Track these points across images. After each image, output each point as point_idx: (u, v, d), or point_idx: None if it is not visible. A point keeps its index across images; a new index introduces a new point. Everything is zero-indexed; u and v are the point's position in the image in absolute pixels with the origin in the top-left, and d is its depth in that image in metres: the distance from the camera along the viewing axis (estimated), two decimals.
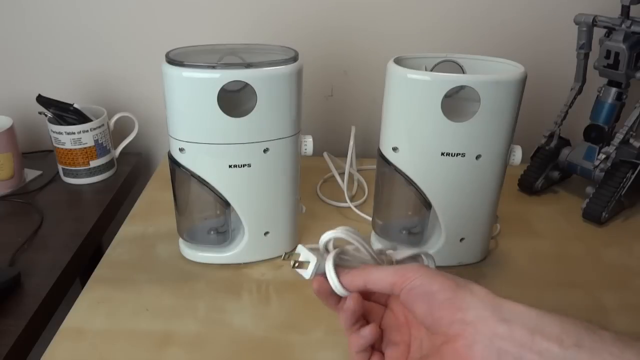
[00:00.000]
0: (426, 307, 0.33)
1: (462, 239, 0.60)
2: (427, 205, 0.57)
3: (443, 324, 0.32)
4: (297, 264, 0.38)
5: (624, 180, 0.71)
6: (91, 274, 0.60)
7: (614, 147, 0.71)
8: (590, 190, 0.73)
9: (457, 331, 0.31)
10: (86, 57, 0.89)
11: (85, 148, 0.79)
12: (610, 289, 0.59)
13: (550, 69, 0.84)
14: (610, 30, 0.70)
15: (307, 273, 0.38)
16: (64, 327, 0.52)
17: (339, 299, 0.38)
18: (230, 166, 0.55)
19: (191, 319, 0.53)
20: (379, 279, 0.35)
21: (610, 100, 0.73)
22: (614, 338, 0.28)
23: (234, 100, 0.55)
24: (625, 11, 0.67)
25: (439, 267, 0.61)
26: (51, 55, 0.89)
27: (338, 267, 0.37)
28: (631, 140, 0.72)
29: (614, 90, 0.72)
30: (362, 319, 0.38)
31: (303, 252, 0.38)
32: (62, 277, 0.61)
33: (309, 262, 0.37)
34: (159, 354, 0.49)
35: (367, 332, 0.37)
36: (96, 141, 0.80)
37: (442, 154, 0.54)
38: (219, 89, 0.51)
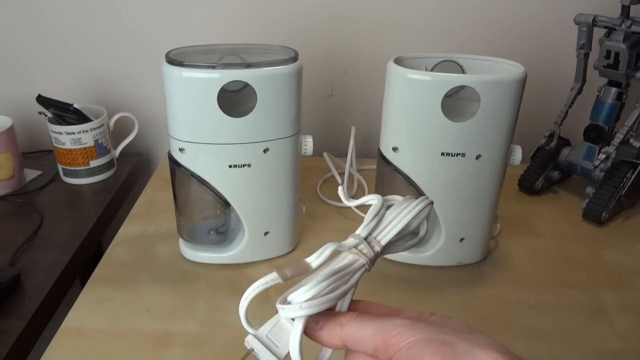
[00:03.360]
0: None
1: (462, 239, 0.60)
2: None
3: None
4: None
5: (624, 180, 0.71)
6: (91, 274, 0.60)
7: (614, 147, 0.71)
8: (590, 190, 0.73)
9: None
10: (86, 57, 0.89)
11: (85, 148, 0.79)
12: (610, 289, 0.59)
13: (550, 69, 0.84)
14: (610, 30, 0.70)
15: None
16: (64, 327, 0.52)
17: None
18: (230, 166, 0.55)
19: (191, 319, 0.53)
20: (358, 339, 0.28)
21: (610, 100, 0.73)
22: None
23: (234, 100, 0.55)
24: (625, 11, 0.67)
25: (438, 267, 0.61)
26: (51, 55, 0.89)
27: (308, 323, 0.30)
28: (631, 140, 0.72)
29: (614, 90, 0.72)
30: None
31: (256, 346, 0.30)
32: (62, 277, 0.61)
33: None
34: (159, 354, 0.49)
35: None
36: (96, 141, 0.80)
37: (442, 154, 0.54)
38: (219, 89, 0.51)
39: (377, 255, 0.32)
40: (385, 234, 0.33)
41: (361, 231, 0.32)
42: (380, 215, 0.33)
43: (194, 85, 0.51)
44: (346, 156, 0.77)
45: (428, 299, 0.57)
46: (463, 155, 0.54)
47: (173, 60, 0.52)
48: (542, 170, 0.78)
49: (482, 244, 0.61)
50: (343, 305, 0.31)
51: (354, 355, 0.29)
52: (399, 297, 0.57)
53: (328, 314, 0.30)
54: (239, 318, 0.31)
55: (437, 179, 0.56)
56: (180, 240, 0.63)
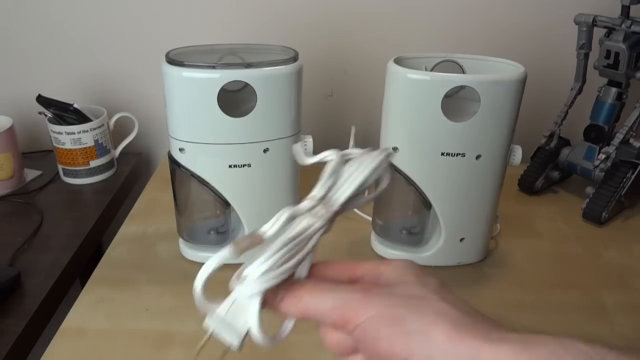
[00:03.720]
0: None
1: (462, 239, 0.60)
2: (427, 205, 0.57)
3: None
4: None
5: (624, 180, 0.70)
6: (91, 274, 0.60)
7: (614, 147, 0.71)
8: (590, 190, 0.73)
9: None
10: (86, 57, 0.89)
11: (85, 148, 0.79)
12: (610, 289, 0.59)
13: (550, 69, 0.84)
14: (610, 30, 0.70)
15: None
16: (64, 327, 0.52)
17: None
18: (230, 166, 0.55)
19: (191, 319, 0.53)
20: (318, 314, 0.28)
21: (610, 100, 0.73)
22: None
23: (234, 100, 0.55)
24: (625, 11, 0.67)
25: (438, 267, 0.61)
26: (51, 55, 0.89)
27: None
28: (631, 140, 0.72)
29: (614, 90, 0.72)
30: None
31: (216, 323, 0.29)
32: (62, 277, 0.60)
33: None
34: (159, 354, 0.49)
35: None
36: (96, 141, 0.80)
37: (442, 154, 0.54)
38: (219, 89, 0.51)
39: (336, 214, 0.30)
40: (343, 192, 0.30)
41: (317, 191, 0.30)
42: (336, 173, 0.31)
43: (194, 85, 0.51)
44: None
45: None
46: (463, 155, 0.54)
47: (173, 60, 0.52)
48: (542, 170, 0.78)
49: (482, 244, 0.61)
50: (303, 271, 0.30)
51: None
52: None
53: (287, 284, 0.29)
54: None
55: (437, 179, 0.56)
56: (180, 240, 0.63)
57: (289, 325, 0.30)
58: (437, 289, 0.28)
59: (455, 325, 0.25)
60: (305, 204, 0.30)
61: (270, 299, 0.29)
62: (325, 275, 0.31)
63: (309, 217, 0.29)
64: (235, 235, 0.61)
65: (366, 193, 0.32)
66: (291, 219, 0.29)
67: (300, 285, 0.29)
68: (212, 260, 0.28)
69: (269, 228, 0.29)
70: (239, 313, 0.29)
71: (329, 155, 0.32)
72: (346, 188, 0.30)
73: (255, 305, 0.28)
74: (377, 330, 0.26)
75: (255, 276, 0.27)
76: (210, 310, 0.30)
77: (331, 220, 0.30)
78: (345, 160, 0.31)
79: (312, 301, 0.28)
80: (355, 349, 0.28)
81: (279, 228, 0.29)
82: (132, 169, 0.87)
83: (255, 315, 0.28)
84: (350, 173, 0.31)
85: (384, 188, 0.32)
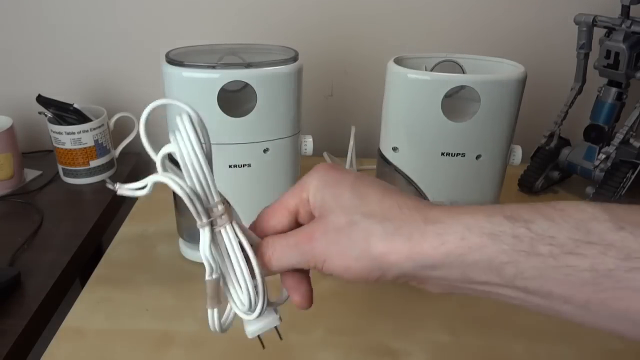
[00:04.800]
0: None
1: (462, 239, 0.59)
2: None
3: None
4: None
5: (624, 180, 0.70)
6: (91, 274, 0.60)
7: (614, 147, 0.71)
8: (590, 190, 0.73)
9: (401, 282, 0.30)
10: (86, 57, 0.89)
11: (85, 148, 0.79)
12: None
13: (550, 69, 0.84)
14: (610, 30, 0.70)
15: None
16: (64, 327, 0.52)
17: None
18: (230, 166, 0.55)
19: (191, 319, 0.53)
20: (290, 266, 0.32)
21: (610, 100, 0.73)
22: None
23: (234, 100, 0.55)
24: (625, 11, 0.67)
25: None
26: (51, 55, 0.89)
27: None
28: (631, 140, 0.72)
29: (614, 90, 0.72)
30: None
31: None
32: (62, 277, 0.60)
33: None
34: (159, 354, 0.49)
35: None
36: (96, 141, 0.80)
37: (442, 154, 0.54)
38: (219, 89, 0.51)
39: (221, 196, 0.31)
40: (212, 190, 0.30)
41: (199, 219, 0.30)
42: (189, 192, 0.30)
43: (194, 85, 0.51)
44: (346, 156, 0.77)
45: (428, 299, 0.57)
46: (463, 155, 0.54)
47: (173, 60, 0.52)
48: (542, 170, 0.78)
49: None
50: (253, 239, 0.32)
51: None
52: (398, 299, 0.57)
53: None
54: (239, 318, 0.33)
55: (437, 179, 0.56)
56: (180, 240, 0.63)
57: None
58: (354, 203, 0.30)
59: (383, 239, 0.29)
60: (206, 233, 0.30)
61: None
62: (268, 228, 0.34)
63: (221, 229, 0.31)
64: None
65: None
66: (212, 249, 0.30)
67: (263, 250, 0.32)
68: (212, 315, 0.32)
69: (210, 271, 0.31)
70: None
71: (144, 182, 0.32)
72: (206, 184, 0.30)
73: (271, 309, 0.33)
74: (335, 265, 0.30)
75: (259, 309, 0.32)
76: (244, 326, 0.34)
77: (227, 203, 0.31)
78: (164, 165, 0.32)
79: (279, 262, 0.32)
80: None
81: (215, 264, 0.31)
82: (132, 169, 0.87)
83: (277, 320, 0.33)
84: (190, 174, 0.31)
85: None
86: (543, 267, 0.25)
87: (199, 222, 0.30)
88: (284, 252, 0.32)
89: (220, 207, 0.30)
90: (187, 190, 0.30)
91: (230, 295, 0.31)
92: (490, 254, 0.26)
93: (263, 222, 0.34)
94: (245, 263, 0.31)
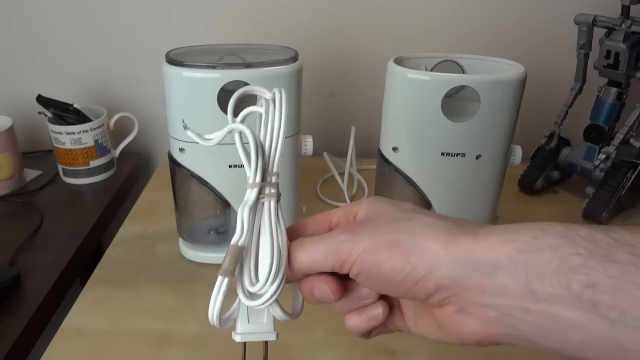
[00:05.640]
0: (388, 288, 0.28)
1: None
2: (427, 205, 0.57)
3: (420, 298, 0.27)
4: None
5: (624, 180, 0.70)
6: (91, 274, 0.60)
7: (614, 147, 0.71)
8: (590, 190, 0.73)
9: (441, 301, 0.26)
10: (86, 57, 0.89)
11: (85, 148, 0.79)
12: None
13: (550, 69, 0.84)
14: (610, 30, 0.70)
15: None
16: (64, 327, 0.52)
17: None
18: (230, 166, 0.55)
19: (191, 319, 0.53)
20: (314, 266, 0.29)
21: (610, 100, 0.73)
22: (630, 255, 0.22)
23: None
24: (625, 11, 0.67)
25: None
26: (51, 55, 0.89)
27: None
28: (631, 140, 0.72)
29: (614, 90, 0.72)
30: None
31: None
32: (62, 277, 0.60)
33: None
34: (159, 354, 0.49)
35: (379, 313, 0.30)
36: (96, 141, 0.80)
37: (442, 154, 0.54)
38: (219, 89, 0.51)
39: (278, 177, 0.30)
40: (275, 160, 0.30)
41: (253, 176, 0.30)
42: (258, 147, 0.30)
43: (194, 85, 0.51)
44: (346, 156, 0.77)
45: None
46: (463, 155, 0.54)
47: (173, 60, 0.52)
48: (542, 170, 0.78)
49: None
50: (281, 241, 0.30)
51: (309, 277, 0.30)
52: None
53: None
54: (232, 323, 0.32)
55: (437, 179, 0.56)
56: (180, 240, 0.63)
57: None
58: (415, 209, 0.29)
59: (445, 232, 0.26)
60: (253, 193, 0.30)
61: None
62: (304, 234, 0.31)
63: (265, 201, 0.30)
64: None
65: None
66: (251, 213, 0.29)
67: (290, 248, 0.30)
68: (215, 298, 0.29)
69: (240, 235, 0.29)
70: (259, 314, 0.31)
71: (235, 127, 0.31)
72: (274, 152, 0.30)
73: (276, 308, 0.30)
74: (375, 257, 0.27)
75: (270, 293, 0.28)
76: (235, 331, 0.31)
77: (278, 194, 0.30)
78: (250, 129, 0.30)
79: (304, 256, 0.29)
80: (344, 291, 0.30)
81: (248, 230, 0.29)
82: (132, 169, 0.87)
83: (280, 313, 0.30)
84: (266, 136, 0.30)
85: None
86: (620, 276, 0.22)
87: (250, 181, 0.29)
88: (312, 245, 0.29)
89: (275, 179, 0.30)
90: (258, 141, 0.29)
91: (244, 272, 0.29)
92: (562, 255, 0.23)
93: (299, 227, 0.32)
94: (281, 239, 0.29)
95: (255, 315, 0.31)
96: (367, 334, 0.32)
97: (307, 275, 0.30)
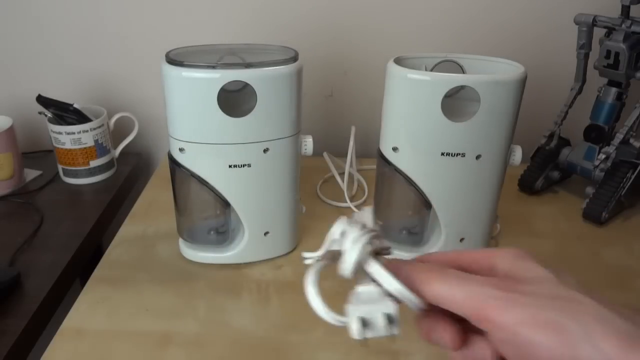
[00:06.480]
0: None
1: (462, 239, 0.60)
2: (427, 205, 0.57)
3: None
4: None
5: (624, 180, 0.70)
6: (91, 274, 0.60)
7: (614, 147, 0.71)
8: (590, 190, 0.73)
9: None
10: (86, 57, 0.89)
11: (85, 148, 0.79)
12: (610, 289, 0.59)
13: (550, 69, 0.84)
14: (610, 30, 0.70)
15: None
16: (64, 327, 0.52)
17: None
18: (230, 166, 0.55)
19: (191, 319, 0.53)
20: (447, 301, 0.26)
21: (610, 100, 0.73)
22: None
23: (234, 100, 0.55)
24: (625, 11, 0.67)
25: None
26: (51, 55, 0.89)
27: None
28: (631, 140, 0.72)
29: (614, 90, 0.72)
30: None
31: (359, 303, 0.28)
32: (62, 277, 0.61)
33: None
34: (159, 354, 0.49)
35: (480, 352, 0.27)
36: (96, 141, 0.80)
37: (442, 154, 0.54)
38: (219, 89, 0.51)
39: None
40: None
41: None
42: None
43: (194, 85, 0.51)
44: (346, 156, 0.77)
45: None
46: (463, 155, 0.54)
47: (173, 60, 0.52)
48: (542, 170, 0.78)
49: (482, 244, 0.61)
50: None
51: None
52: None
53: (403, 265, 0.28)
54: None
55: (437, 179, 0.56)
56: (180, 240, 0.63)
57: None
58: (579, 288, 0.26)
59: (623, 335, 0.23)
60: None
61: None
62: (433, 259, 0.30)
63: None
64: (235, 235, 0.61)
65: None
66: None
67: (423, 268, 0.28)
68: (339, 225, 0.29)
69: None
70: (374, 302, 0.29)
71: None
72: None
73: (377, 267, 0.28)
74: (532, 336, 0.24)
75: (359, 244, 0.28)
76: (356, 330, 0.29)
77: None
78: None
79: (443, 288, 0.27)
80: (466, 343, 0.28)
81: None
82: (132, 169, 0.87)
83: (387, 276, 0.28)
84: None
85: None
86: None
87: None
88: (457, 279, 0.26)
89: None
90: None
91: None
92: None
93: (425, 257, 0.30)
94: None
95: (371, 304, 0.29)
96: None
97: (430, 309, 0.28)
